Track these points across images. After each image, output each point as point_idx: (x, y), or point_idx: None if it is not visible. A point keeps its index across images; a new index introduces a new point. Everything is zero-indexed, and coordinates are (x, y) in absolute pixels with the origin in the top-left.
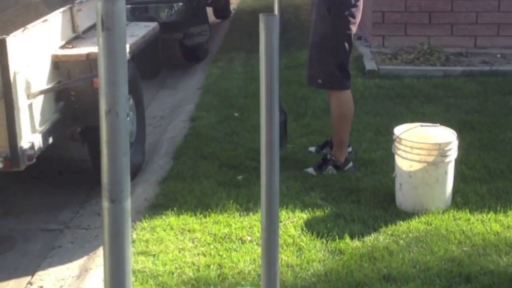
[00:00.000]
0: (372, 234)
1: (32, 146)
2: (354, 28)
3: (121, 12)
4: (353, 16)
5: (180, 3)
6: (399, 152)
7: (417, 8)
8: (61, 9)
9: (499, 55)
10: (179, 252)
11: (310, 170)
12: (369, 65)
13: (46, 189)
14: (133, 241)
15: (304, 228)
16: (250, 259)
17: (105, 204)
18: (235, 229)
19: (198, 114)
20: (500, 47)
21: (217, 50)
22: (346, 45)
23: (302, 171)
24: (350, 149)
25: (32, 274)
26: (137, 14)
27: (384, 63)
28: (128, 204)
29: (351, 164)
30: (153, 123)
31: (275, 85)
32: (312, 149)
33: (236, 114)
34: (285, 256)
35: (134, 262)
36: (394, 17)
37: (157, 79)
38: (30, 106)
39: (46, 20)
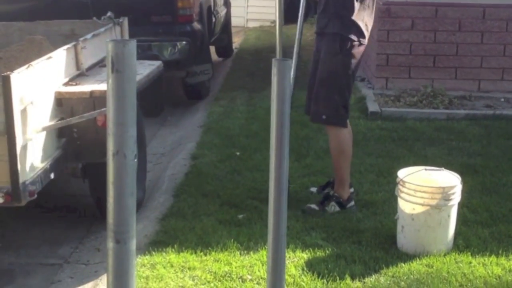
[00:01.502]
0: (373, 276)
1: (33, 182)
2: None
3: (132, 53)
4: (360, 55)
5: (184, 42)
6: (402, 194)
7: (422, 51)
8: (65, 47)
9: (502, 99)
10: None
11: (313, 206)
12: (372, 106)
13: (46, 223)
14: None
15: (305, 268)
16: None
17: (110, 244)
18: (235, 267)
19: (200, 152)
20: (504, 91)
21: (219, 88)
22: (351, 82)
23: (305, 206)
24: (352, 189)
25: None
26: (140, 52)
27: (387, 105)
28: (133, 244)
29: (353, 202)
30: (154, 160)
31: (286, 129)
32: (314, 189)
33: (238, 153)
34: None
35: None
36: (399, 59)
37: (159, 116)
38: (32, 142)
39: (50, 57)
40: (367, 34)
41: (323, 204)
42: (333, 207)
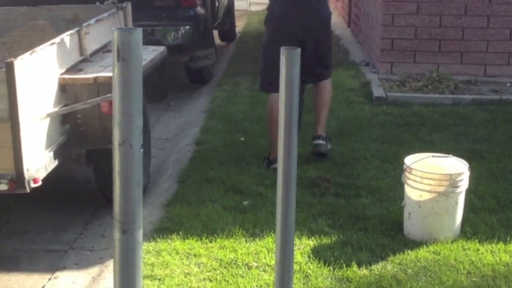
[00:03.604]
0: (380, 263)
1: (37, 169)
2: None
3: (138, 42)
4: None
5: (187, 26)
6: (409, 181)
7: (428, 36)
8: (69, 32)
9: (508, 84)
10: (185, 276)
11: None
12: (377, 91)
13: (50, 209)
14: None
15: (311, 256)
16: (256, 286)
17: (117, 235)
18: (241, 254)
19: (203, 138)
20: (510, 76)
21: (223, 73)
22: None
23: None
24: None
25: None
26: (143, 37)
27: (392, 90)
28: (139, 235)
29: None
30: (158, 146)
31: (294, 119)
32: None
33: (242, 138)
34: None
35: None
36: (404, 44)
37: (163, 101)
38: (36, 128)
39: (53, 43)
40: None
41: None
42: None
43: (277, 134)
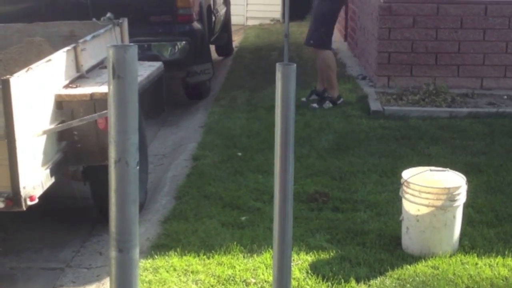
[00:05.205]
0: (378, 278)
1: (34, 186)
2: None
3: (133, 59)
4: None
5: (183, 42)
6: (406, 196)
7: (424, 49)
8: (65, 49)
9: (505, 97)
10: None
11: (314, 105)
12: (374, 105)
13: (47, 227)
14: None
15: (309, 271)
16: None
17: (113, 253)
18: (239, 271)
19: (201, 153)
20: (507, 89)
21: (220, 88)
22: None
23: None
24: (341, 99)
25: None
26: (139, 52)
27: (389, 104)
28: (136, 253)
29: (342, 99)
30: (155, 161)
31: (291, 135)
32: (304, 99)
33: (240, 154)
34: None
35: None
36: (400, 57)
37: (160, 117)
38: (32, 146)
39: (50, 60)
40: None
41: (320, 103)
42: (328, 104)
43: (335, 77)
